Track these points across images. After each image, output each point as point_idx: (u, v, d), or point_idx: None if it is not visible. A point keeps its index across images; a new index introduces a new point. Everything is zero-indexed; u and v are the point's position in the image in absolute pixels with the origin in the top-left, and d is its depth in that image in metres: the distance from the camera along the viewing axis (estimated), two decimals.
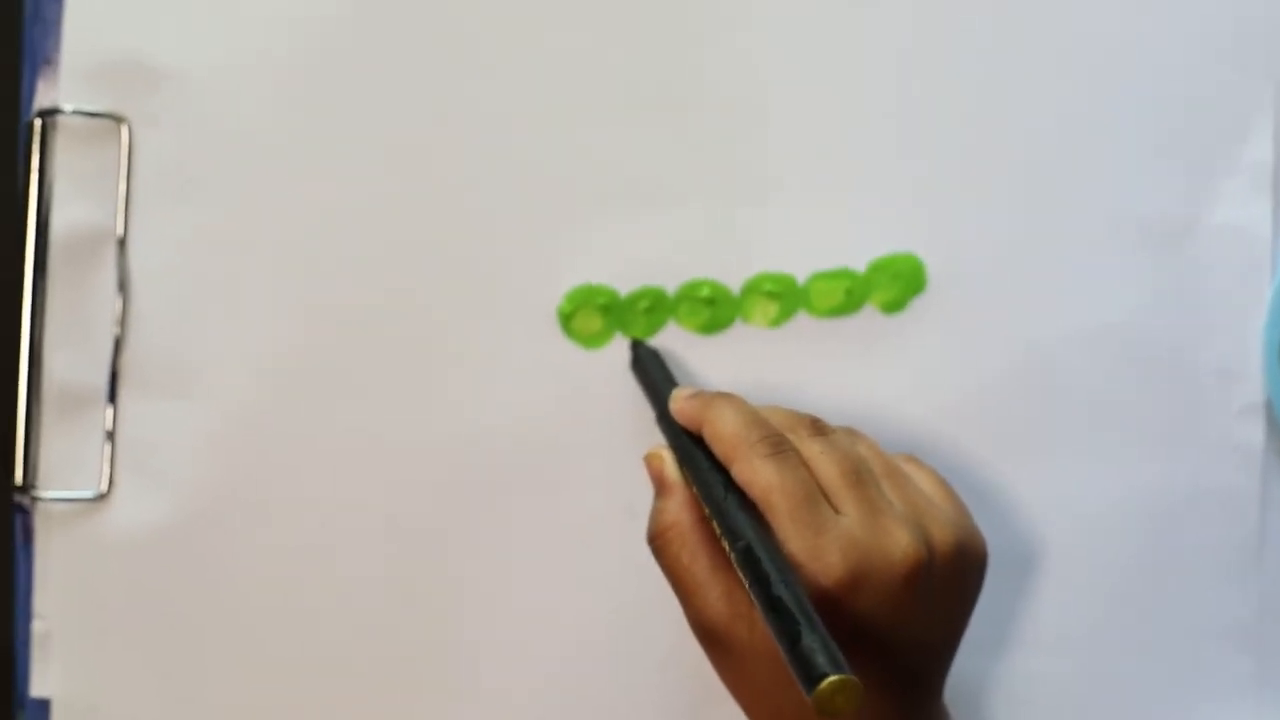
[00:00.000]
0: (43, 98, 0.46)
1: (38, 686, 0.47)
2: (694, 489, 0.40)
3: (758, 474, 0.38)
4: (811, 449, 0.40)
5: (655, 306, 0.47)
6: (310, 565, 0.47)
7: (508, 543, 0.47)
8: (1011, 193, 0.47)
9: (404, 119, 0.46)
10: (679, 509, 0.40)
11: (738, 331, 0.47)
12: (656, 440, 0.46)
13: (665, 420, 0.43)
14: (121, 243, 0.46)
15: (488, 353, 0.47)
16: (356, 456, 0.47)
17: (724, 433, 0.40)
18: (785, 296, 0.47)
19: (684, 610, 0.40)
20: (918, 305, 0.47)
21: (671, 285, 0.47)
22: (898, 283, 0.47)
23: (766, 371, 0.47)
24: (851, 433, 0.42)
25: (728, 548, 0.37)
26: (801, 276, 0.47)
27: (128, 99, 0.46)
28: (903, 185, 0.47)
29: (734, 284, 0.47)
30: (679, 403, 0.42)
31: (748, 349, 0.47)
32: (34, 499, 0.46)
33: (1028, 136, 0.47)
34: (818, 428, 0.41)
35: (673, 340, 0.47)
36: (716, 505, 0.38)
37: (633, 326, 0.47)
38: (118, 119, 0.46)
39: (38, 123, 0.46)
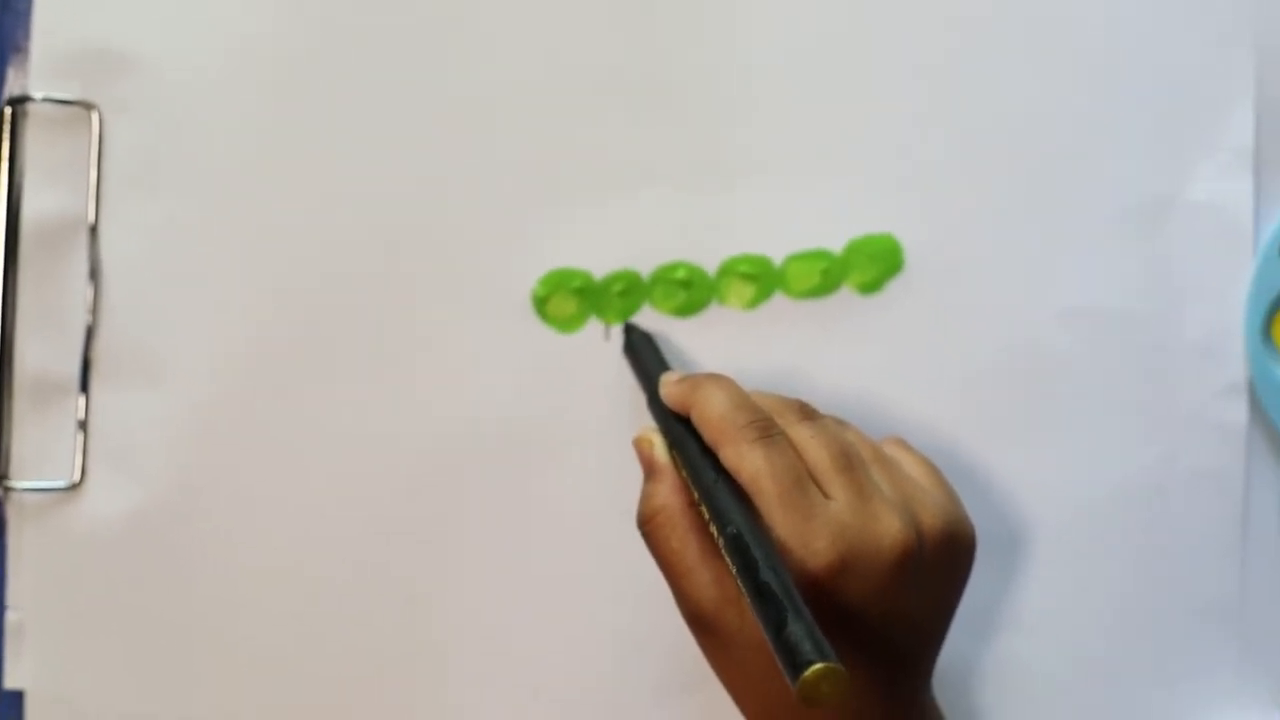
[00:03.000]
0: (13, 85, 0.46)
1: (11, 678, 0.46)
2: (683, 473, 0.40)
3: (745, 458, 0.38)
4: (801, 433, 0.39)
5: (630, 289, 0.47)
6: (283, 555, 0.47)
7: (483, 530, 0.47)
8: (990, 173, 0.47)
9: (376, 106, 0.46)
10: (668, 493, 0.40)
11: (713, 314, 0.47)
12: (634, 423, 0.46)
13: (655, 404, 0.42)
14: (93, 230, 0.46)
15: (462, 338, 0.46)
16: (330, 445, 0.46)
17: (712, 416, 0.39)
18: (761, 278, 0.47)
19: (674, 595, 0.40)
20: (895, 286, 0.47)
21: (646, 268, 0.47)
22: (875, 264, 0.47)
23: (743, 354, 0.47)
24: (839, 420, 0.42)
25: (716, 533, 0.37)
26: (777, 258, 0.47)
27: (98, 87, 0.45)
28: (880, 165, 0.47)
29: (709, 266, 0.47)
30: (668, 386, 0.41)
31: (724, 331, 0.47)
32: (6, 489, 0.46)
33: (1007, 116, 0.47)
34: (806, 412, 0.40)
35: (648, 323, 0.47)
36: (705, 490, 0.38)
37: (608, 310, 0.47)
38: (88, 107, 0.45)
39: (8, 110, 0.45)
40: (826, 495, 0.38)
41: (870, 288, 0.47)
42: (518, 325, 0.46)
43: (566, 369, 0.47)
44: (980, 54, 0.47)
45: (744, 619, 0.38)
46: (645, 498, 0.40)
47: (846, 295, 0.47)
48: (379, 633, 0.47)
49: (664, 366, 0.44)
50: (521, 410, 0.47)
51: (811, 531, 0.37)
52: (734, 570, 0.35)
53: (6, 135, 0.45)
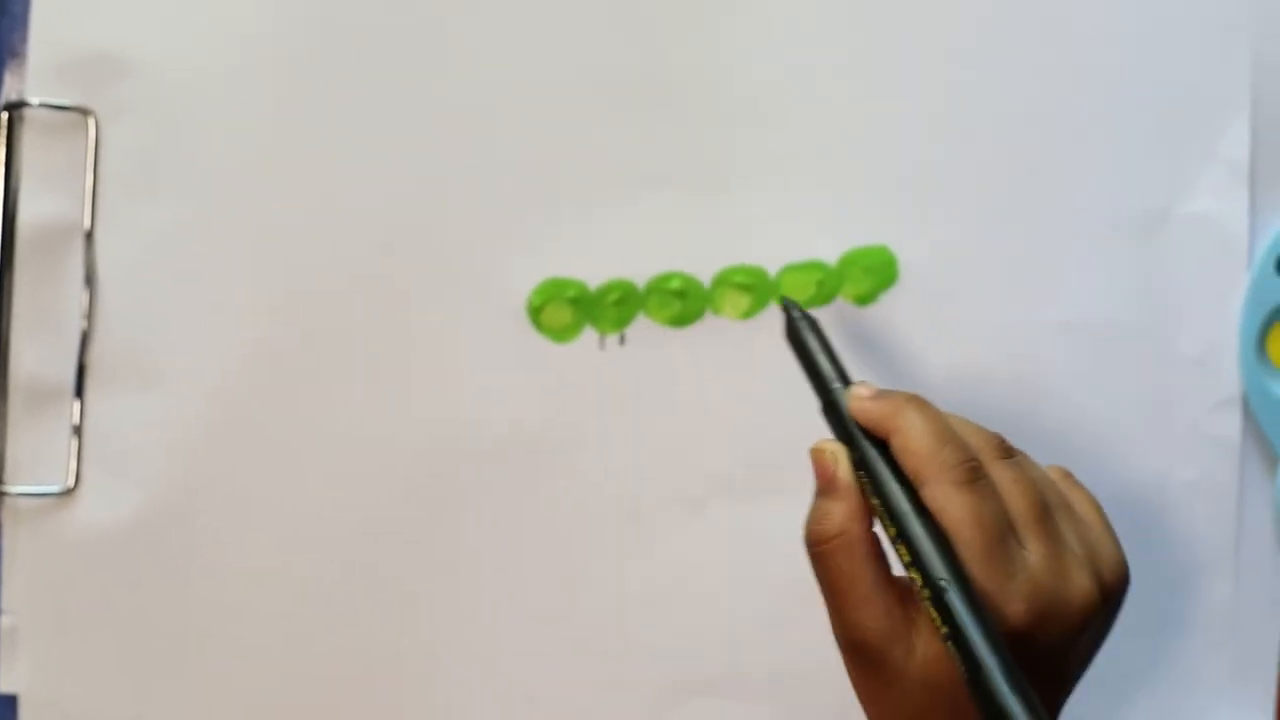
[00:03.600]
0: (9, 91, 0.46)
1: (4, 682, 0.46)
2: (872, 499, 0.38)
3: (953, 501, 0.36)
4: (1003, 476, 0.38)
5: (625, 299, 0.47)
6: (278, 560, 0.47)
7: (478, 537, 0.47)
8: (985, 185, 0.47)
9: (372, 112, 0.46)
10: (849, 516, 0.38)
11: (708, 324, 0.47)
12: (629, 433, 0.46)
13: (835, 413, 0.40)
14: (89, 236, 0.46)
15: (456, 346, 0.46)
16: (325, 452, 0.46)
17: (917, 448, 0.37)
18: (756, 289, 0.47)
19: (834, 620, 0.38)
20: (889, 298, 0.47)
21: (641, 278, 0.47)
22: (869, 275, 0.47)
23: (738, 365, 0.47)
24: (1028, 459, 0.40)
25: (918, 580, 0.36)
26: (773, 269, 0.47)
27: (95, 92, 0.45)
28: (875, 177, 0.47)
29: (705, 276, 0.47)
30: (862, 403, 0.39)
31: (718, 342, 0.47)
32: (1, 494, 0.46)
33: (1002, 129, 0.47)
34: (1005, 449, 0.39)
35: (642, 333, 0.47)
36: (908, 532, 0.36)
37: (602, 319, 0.47)
38: (85, 112, 0.46)
39: (4, 116, 0.45)
40: (1021, 544, 0.37)
41: (865, 299, 0.47)
42: (512, 333, 0.46)
43: (561, 378, 0.47)
44: (977, 67, 0.47)
45: (911, 655, 0.36)
46: (822, 515, 0.38)
47: (841, 307, 0.47)
48: (372, 637, 0.47)
49: (838, 365, 0.41)
50: (516, 418, 0.47)
51: (1011, 591, 0.36)
52: (942, 629, 0.34)
53: (3, 140, 0.45)
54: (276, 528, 0.47)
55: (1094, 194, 0.48)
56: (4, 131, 0.45)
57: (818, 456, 0.39)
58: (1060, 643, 0.37)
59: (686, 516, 0.47)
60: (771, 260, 0.47)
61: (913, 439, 0.37)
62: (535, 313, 0.47)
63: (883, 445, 0.38)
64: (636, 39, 0.46)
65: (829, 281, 0.47)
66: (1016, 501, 0.37)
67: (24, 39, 0.45)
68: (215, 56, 0.46)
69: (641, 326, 0.47)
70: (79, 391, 0.46)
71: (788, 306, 0.42)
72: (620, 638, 0.47)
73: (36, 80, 0.45)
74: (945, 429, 0.38)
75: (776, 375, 0.47)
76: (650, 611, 0.47)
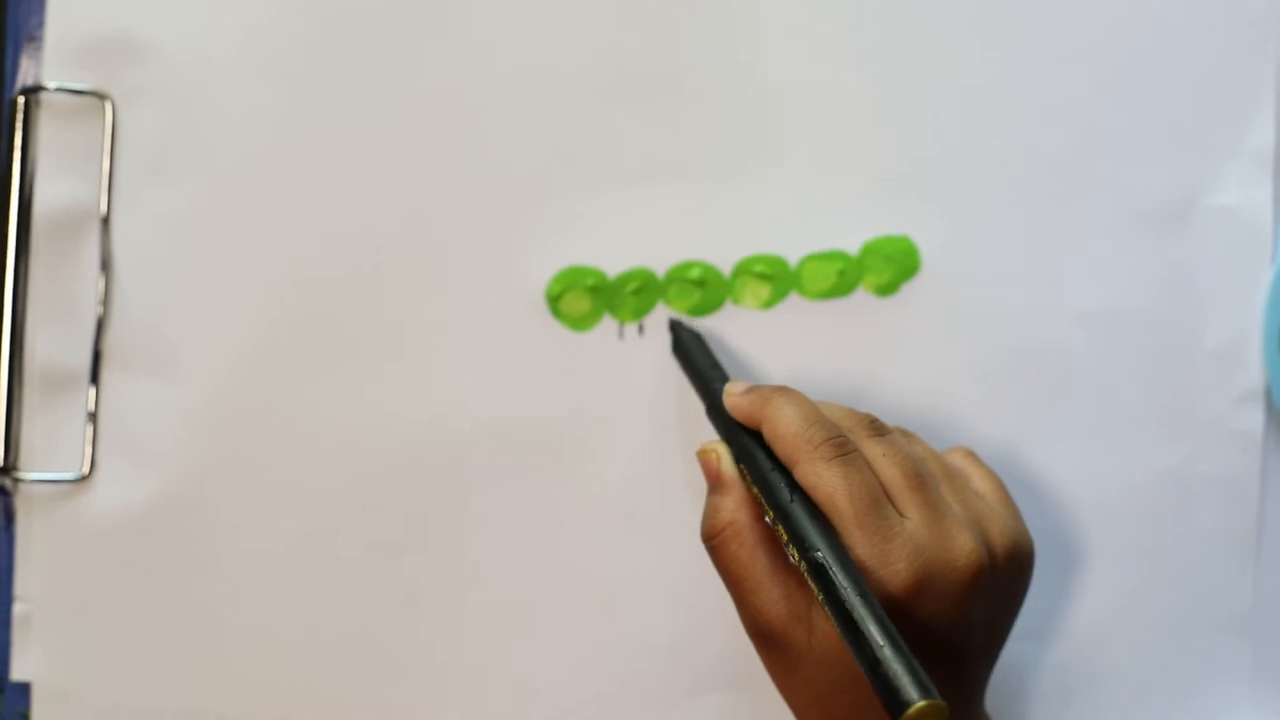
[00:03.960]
0: (26, 75, 0.45)
1: (18, 669, 0.46)
2: (753, 488, 0.39)
3: (823, 477, 0.37)
4: (873, 450, 0.39)
5: (644, 288, 0.46)
6: (292, 548, 0.46)
7: (494, 525, 0.47)
8: (1008, 175, 0.47)
9: (390, 99, 0.46)
10: (736, 507, 0.39)
11: (728, 313, 0.47)
12: (648, 422, 0.46)
13: (717, 413, 0.42)
14: (105, 221, 0.46)
15: (474, 334, 0.46)
16: (340, 438, 0.46)
17: (785, 433, 0.38)
18: (777, 278, 0.46)
19: (739, 609, 0.39)
20: (911, 288, 0.47)
21: (661, 267, 0.46)
22: (891, 265, 0.47)
23: (757, 355, 0.46)
24: (906, 434, 0.42)
25: (795, 556, 0.36)
26: (793, 258, 0.47)
27: (112, 76, 0.45)
28: (897, 167, 0.47)
29: (725, 265, 0.46)
30: (734, 398, 0.41)
31: (738, 331, 0.47)
32: (15, 480, 0.46)
33: (1026, 119, 0.47)
34: (876, 427, 0.40)
35: (662, 322, 0.46)
36: (782, 510, 0.37)
37: (621, 308, 0.46)
38: (101, 96, 0.45)
39: (21, 100, 0.45)
40: (901, 514, 0.38)
41: (887, 290, 0.47)
42: (531, 322, 0.46)
43: (580, 367, 0.46)
44: (999, 57, 0.47)
45: (812, 635, 0.38)
46: (712, 510, 0.40)
47: (862, 297, 0.47)
48: (383, 625, 0.47)
49: (718, 369, 0.43)
50: (534, 407, 0.46)
51: (890, 553, 0.37)
52: (821, 597, 0.35)
53: (20, 125, 0.45)
54: (291, 514, 0.46)
55: (1119, 185, 0.47)
56: (21, 116, 0.45)
57: (702, 456, 0.41)
58: (949, 606, 0.37)
59: (701, 505, 0.46)
60: (792, 250, 0.46)
61: (780, 424, 0.39)
62: (554, 301, 0.46)
63: (758, 436, 0.39)
64: (657, 27, 0.46)
65: (850, 271, 0.47)
66: (889, 472, 0.38)
67: (40, 23, 0.45)
68: (232, 40, 0.45)
69: (660, 316, 0.47)
70: (94, 377, 0.46)
71: (674, 325, 0.46)
72: (633, 629, 0.47)
73: (53, 64, 0.45)
74: (811, 412, 0.39)
75: (797, 366, 0.47)
76: (664, 603, 0.47)
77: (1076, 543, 0.48)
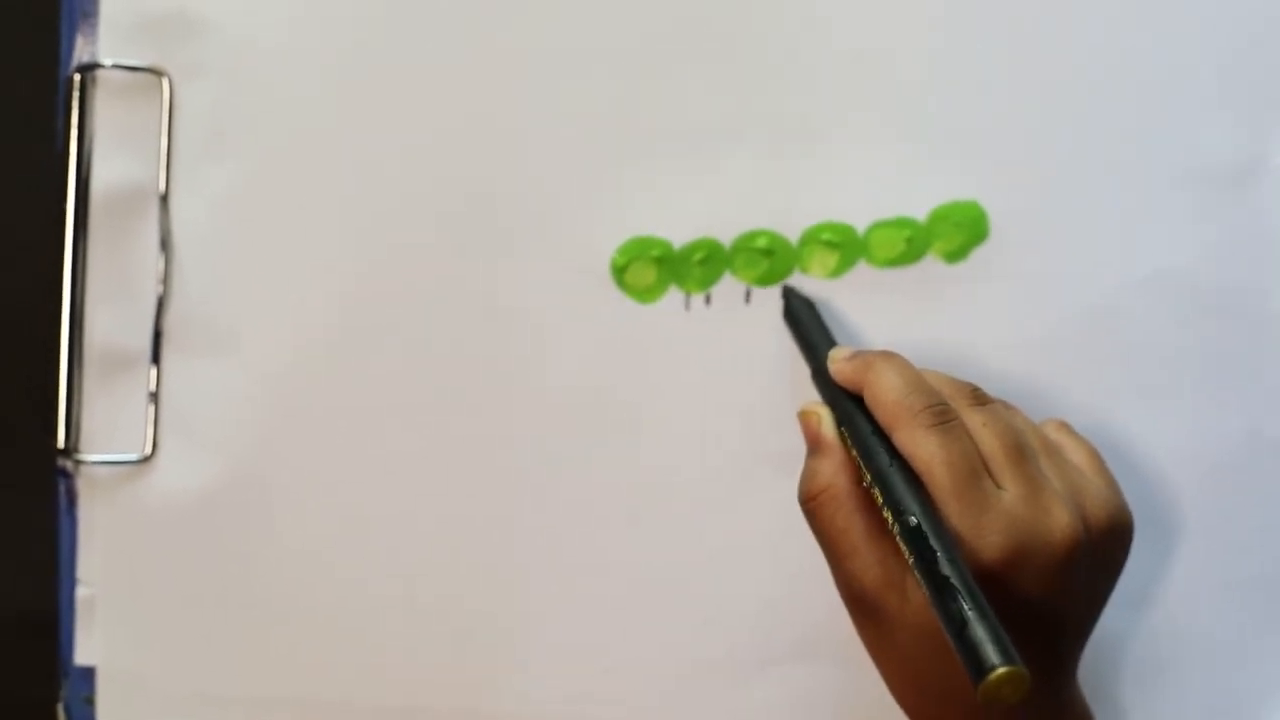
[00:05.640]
0: (82, 52, 0.45)
1: (82, 654, 0.46)
2: (853, 453, 0.39)
3: (921, 445, 0.37)
4: (974, 420, 0.38)
5: (711, 258, 0.46)
6: (356, 528, 0.46)
7: (560, 498, 0.46)
8: (1074, 139, 0.46)
9: (451, 69, 0.45)
10: (835, 471, 0.39)
11: (796, 282, 0.46)
12: (715, 394, 0.45)
13: (822, 377, 0.41)
14: (163, 199, 0.45)
15: (538, 307, 0.46)
16: (403, 416, 0.46)
17: (886, 398, 0.38)
18: (845, 246, 0.46)
19: (834, 574, 0.39)
20: (980, 254, 0.46)
21: (727, 236, 0.46)
22: (960, 231, 0.46)
23: (826, 324, 0.46)
24: (1007, 405, 0.41)
25: (890, 520, 0.36)
26: (861, 226, 0.46)
27: (168, 52, 0.45)
28: (964, 131, 0.46)
29: (792, 234, 0.46)
30: (838, 363, 0.41)
31: None
32: (77, 462, 0.45)
33: (1090, 82, 0.46)
34: (978, 397, 0.40)
35: (729, 292, 0.46)
36: (880, 474, 0.37)
37: (688, 279, 0.46)
38: (158, 73, 0.45)
39: (77, 78, 0.45)
40: (998, 485, 0.37)
41: (956, 256, 0.46)
42: (596, 294, 0.46)
43: (645, 339, 0.46)
44: (1064, 22, 0.46)
45: (906, 603, 0.37)
46: (811, 474, 0.40)
47: (931, 264, 0.46)
48: (447, 608, 0.46)
49: (827, 337, 0.43)
50: (600, 380, 0.46)
51: (985, 524, 0.36)
52: (912, 562, 0.35)
53: (76, 103, 0.45)
54: (355, 494, 0.46)
55: (1183, 147, 0.47)
56: (77, 93, 0.45)
57: (804, 418, 0.41)
58: (1045, 579, 0.37)
59: (773, 477, 0.46)
60: (860, 217, 0.46)
61: (881, 390, 0.39)
62: (619, 272, 0.46)
63: (860, 401, 0.39)
64: None
65: (918, 238, 0.46)
66: (989, 443, 0.38)
67: (95, 0, 0.45)
68: (289, 14, 0.45)
69: (727, 286, 0.46)
70: (155, 357, 0.45)
71: (786, 291, 0.45)
72: (705, 600, 0.46)
73: (108, 41, 0.45)
74: (913, 378, 0.39)
75: (866, 334, 0.46)
76: (735, 574, 0.46)
77: (1145, 509, 0.47)
